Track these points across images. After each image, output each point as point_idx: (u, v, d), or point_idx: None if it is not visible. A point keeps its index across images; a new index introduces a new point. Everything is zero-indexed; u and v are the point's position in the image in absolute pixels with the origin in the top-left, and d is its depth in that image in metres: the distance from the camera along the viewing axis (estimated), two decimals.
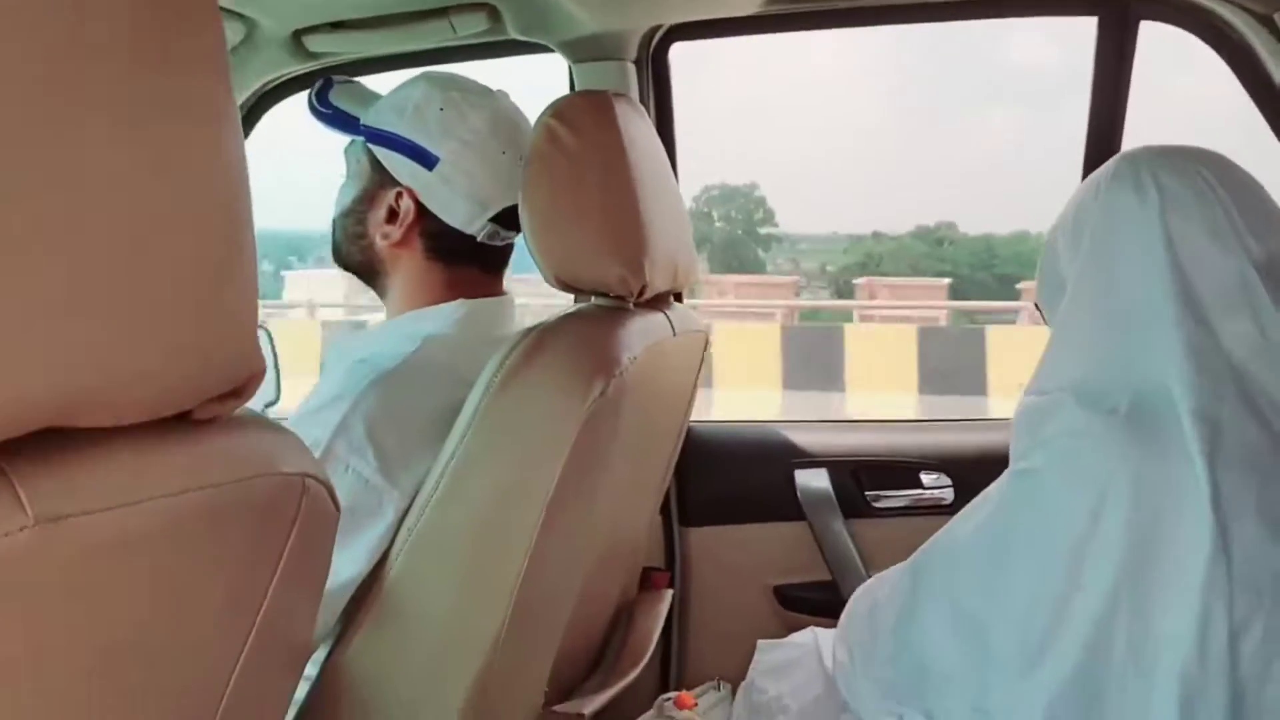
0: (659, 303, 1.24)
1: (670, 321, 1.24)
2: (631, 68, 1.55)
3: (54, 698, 0.42)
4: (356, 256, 1.22)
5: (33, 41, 0.36)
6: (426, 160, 1.15)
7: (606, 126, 1.12)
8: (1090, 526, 0.98)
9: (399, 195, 1.16)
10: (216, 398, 0.46)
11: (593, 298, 1.16)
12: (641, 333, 1.13)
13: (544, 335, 1.05)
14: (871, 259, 20.29)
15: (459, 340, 1.14)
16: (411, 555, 1.02)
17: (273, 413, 1.85)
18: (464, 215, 1.16)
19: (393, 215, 1.17)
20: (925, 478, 1.77)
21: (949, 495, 1.71)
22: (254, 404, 1.48)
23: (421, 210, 1.16)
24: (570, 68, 1.56)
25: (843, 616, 1.27)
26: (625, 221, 1.11)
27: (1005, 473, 1.07)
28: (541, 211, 1.10)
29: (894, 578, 1.19)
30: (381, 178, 1.17)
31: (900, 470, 1.76)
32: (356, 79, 1.28)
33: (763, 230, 22.03)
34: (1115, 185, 1.06)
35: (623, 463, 1.18)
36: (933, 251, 20.52)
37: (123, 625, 0.44)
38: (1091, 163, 1.55)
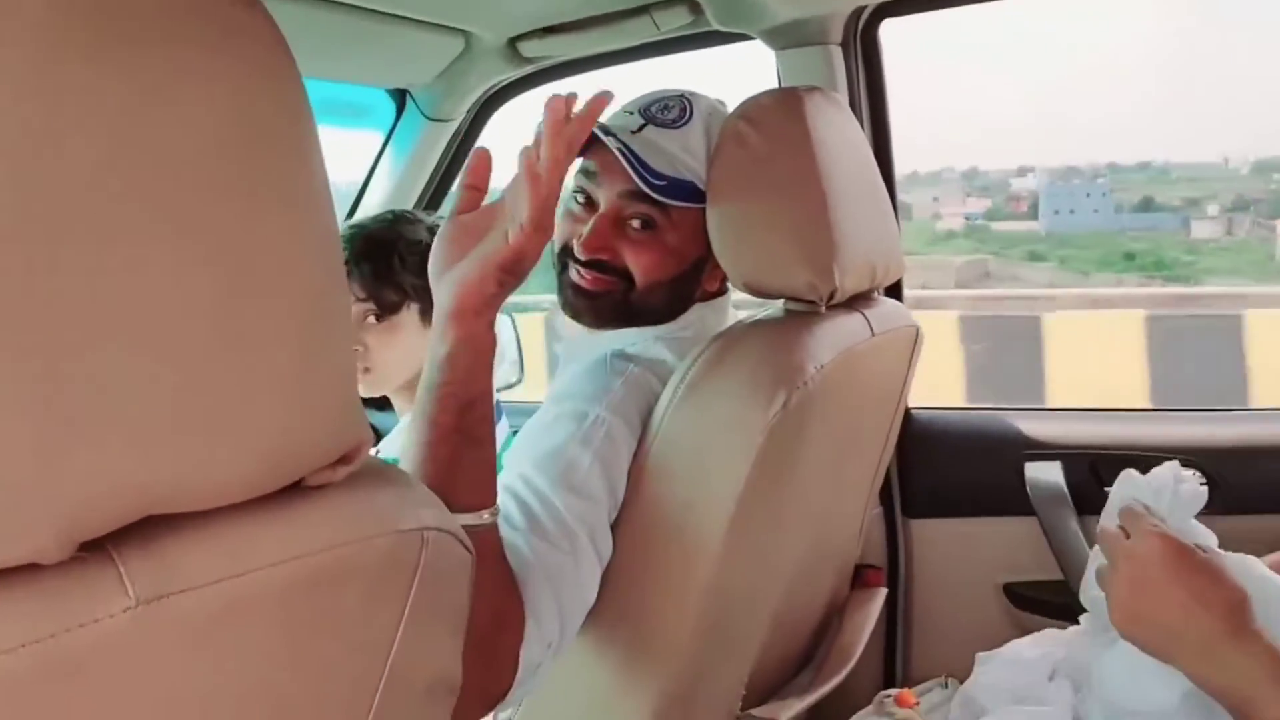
0: (857, 302, 1.21)
1: (869, 321, 1.20)
2: (838, 52, 1.49)
3: None
4: (666, 308, 1.17)
5: (132, 169, 0.39)
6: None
7: (795, 126, 1.09)
8: None
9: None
10: (327, 466, 0.49)
11: (782, 301, 1.14)
12: (832, 338, 1.10)
13: (727, 345, 1.05)
14: None
15: (691, 339, 1.15)
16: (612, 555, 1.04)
17: (513, 394, 1.95)
18: None
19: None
20: None
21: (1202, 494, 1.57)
22: (496, 385, 1.54)
23: None
24: (776, 56, 1.53)
25: None
26: (813, 225, 1.08)
27: None
28: (728, 217, 1.09)
29: None
30: None
31: (1145, 464, 1.62)
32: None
33: None
34: None
35: (819, 466, 1.16)
36: None
37: (241, 684, 0.47)
38: None
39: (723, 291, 1.23)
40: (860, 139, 1.24)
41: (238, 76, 0.43)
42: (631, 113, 1.17)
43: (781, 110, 1.11)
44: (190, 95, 0.41)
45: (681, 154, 1.13)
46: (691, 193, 1.12)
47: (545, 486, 0.97)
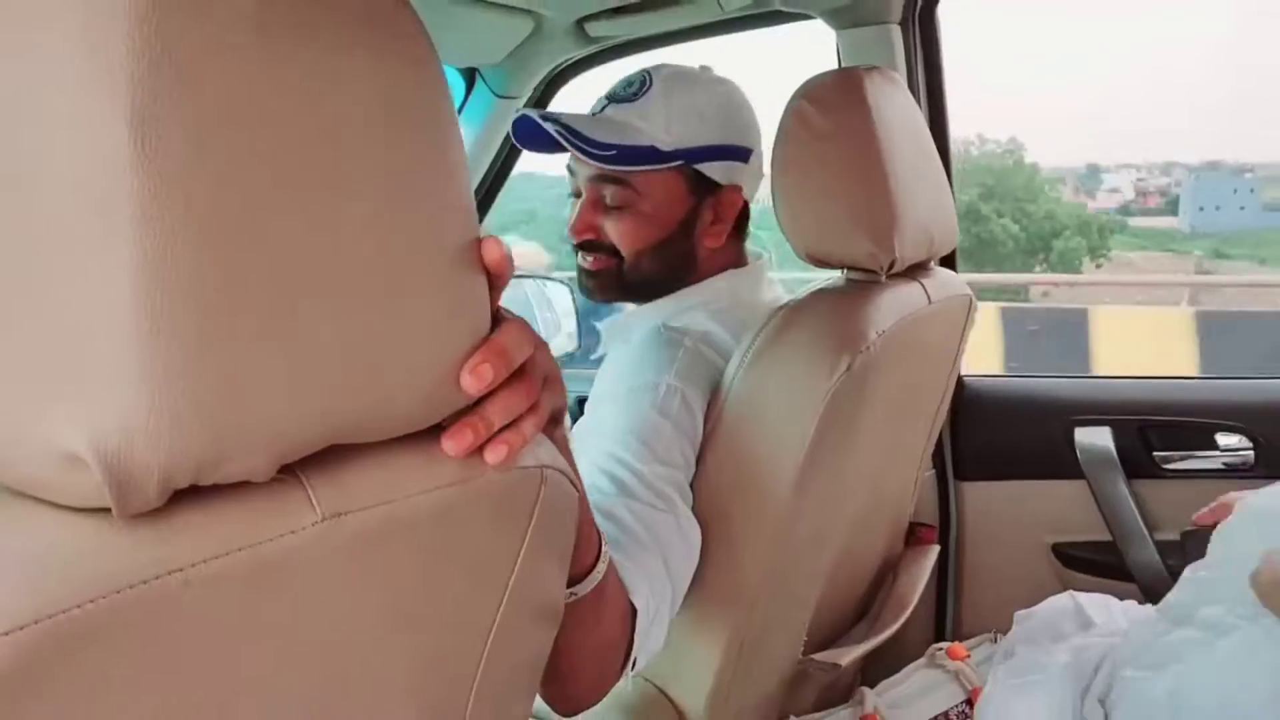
0: (915, 272, 1.27)
1: (926, 290, 1.26)
2: (897, 30, 1.54)
3: (344, 654, 0.55)
4: (664, 274, 1.24)
5: (315, 143, 0.47)
6: (744, 156, 1.23)
7: (856, 105, 1.15)
8: None
9: (721, 194, 1.22)
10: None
11: (844, 271, 1.21)
12: (892, 306, 1.16)
13: (793, 313, 1.12)
14: None
15: (730, 308, 1.22)
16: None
17: (572, 364, 2.02)
18: (762, 190, 1.24)
19: (717, 216, 1.22)
20: (1222, 439, 1.67)
21: (1249, 458, 1.62)
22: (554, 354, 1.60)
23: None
24: (836, 35, 1.58)
25: None
26: (874, 198, 1.14)
27: None
28: (793, 191, 1.16)
29: None
30: (702, 189, 1.22)
31: (1193, 430, 1.67)
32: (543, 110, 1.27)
33: None
34: None
35: (877, 428, 1.23)
36: None
37: (391, 596, 0.56)
38: None
39: (736, 256, 1.28)
40: (917, 116, 1.30)
41: (389, 63, 0.51)
42: (598, 99, 1.25)
43: (842, 89, 1.16)
44: (349, 82, 0.48)
45: (637, 122, 1.20)
46: (650, 156, 1.19)
47: (633, 459, 1.02)
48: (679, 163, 1.19)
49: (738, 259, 1.28)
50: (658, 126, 1.19)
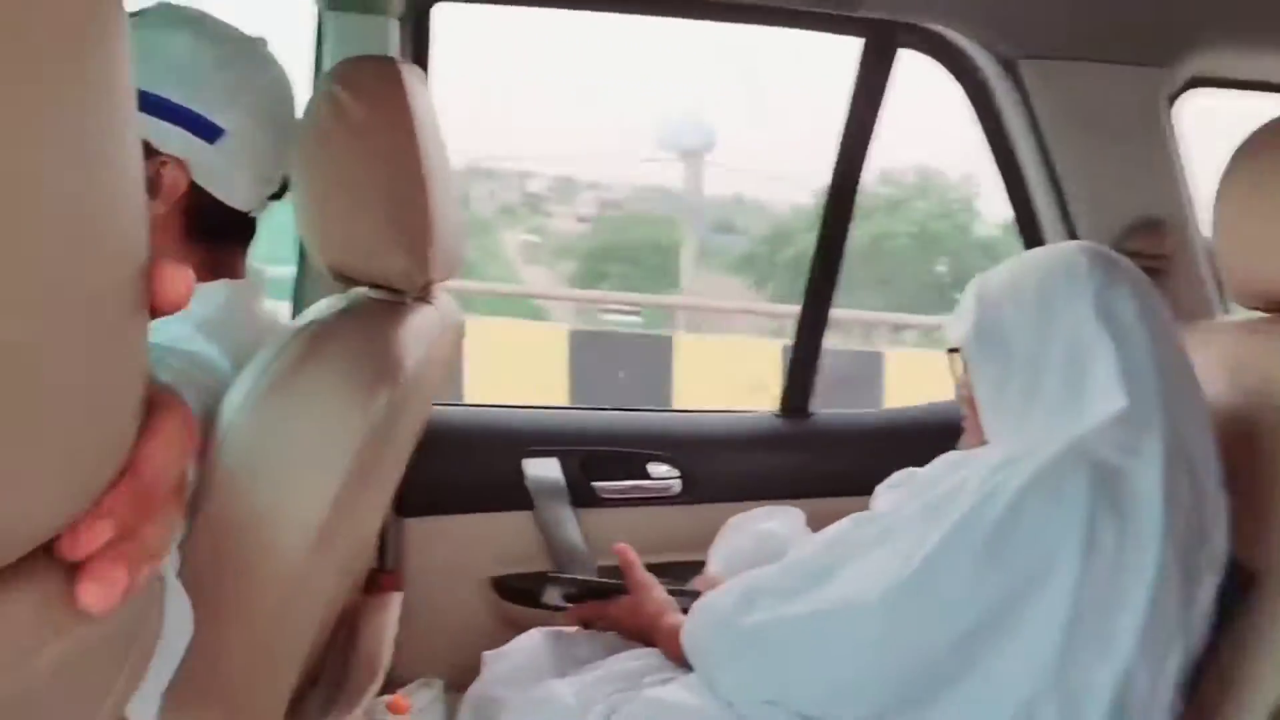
0: (425, 293, 1.14)
1: (439, 313, 1.14)
2: (395, 25, 1.39)
3: None
4: None
5: None
6: (207, 133, 0.98)
7: (395, 97, 1.00)
8: None
9: (163, 164, 0.96)
10: None
11: (366, 288, 1.04)
12: (419, 331, 1.03)
13: (317, 338, 0.92)
14: None
15: (226, 324, 0.98)
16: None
17: None
18: (245, 194, 1.00)
19: (152, 187, 0.96)
20: (653, 468, 1.77)
21: (676, 486, 1.73)
22: None
23: (192, 185, 0.98)
24: (320, 15, 1.38)
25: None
26: (413, 207, 1.00)
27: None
28: (320, 192, 0.97)
29: None
30: (144, 147, 0.96)
31: (629, 459, 1.75)
32: None
33: None
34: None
35: (395, 467, 1.08)
36: None
37: None
38: (841, 175, 1.61)
39: (226, 265, 1.06)
40: (438, 120, 1.17)
41: None
42: None
43: (383, 79, 1.01)
44: None
45: None
46: None
47: None
48: None
49: (231, 269, 1.05)
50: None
